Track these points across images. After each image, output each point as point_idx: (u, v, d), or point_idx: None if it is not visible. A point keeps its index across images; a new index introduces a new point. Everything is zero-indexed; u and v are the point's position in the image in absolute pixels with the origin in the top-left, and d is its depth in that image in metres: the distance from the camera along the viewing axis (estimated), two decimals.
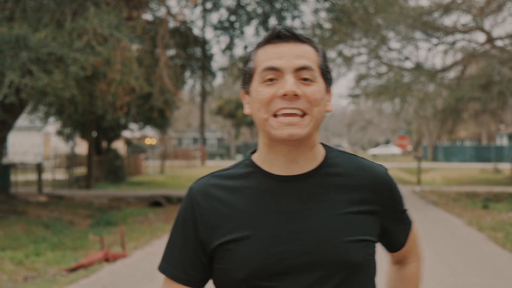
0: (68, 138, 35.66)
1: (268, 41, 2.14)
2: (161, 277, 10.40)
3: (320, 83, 2.13)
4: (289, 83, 2.05)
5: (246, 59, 2.22)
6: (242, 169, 2.23)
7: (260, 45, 2.17)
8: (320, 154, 2.22)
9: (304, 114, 2.07)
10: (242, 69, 2.25)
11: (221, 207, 2.14)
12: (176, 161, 53.51)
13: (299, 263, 2.05)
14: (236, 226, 2.10)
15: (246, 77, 2.19)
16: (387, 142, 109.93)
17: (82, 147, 43.73)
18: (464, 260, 12.18)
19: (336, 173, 2.19)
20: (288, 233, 2.07)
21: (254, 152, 2.29)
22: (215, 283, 2.19)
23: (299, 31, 2.14)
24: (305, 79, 2.09)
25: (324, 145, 2.28)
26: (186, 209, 2.19)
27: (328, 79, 2.19)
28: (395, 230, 2.34)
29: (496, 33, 32.28)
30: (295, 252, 2.05)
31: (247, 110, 2.22)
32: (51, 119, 32.71)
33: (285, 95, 2.05)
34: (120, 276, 10.82)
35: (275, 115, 2.07)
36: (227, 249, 2.09)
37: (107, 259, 12.13)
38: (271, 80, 2.09)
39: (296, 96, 2.05)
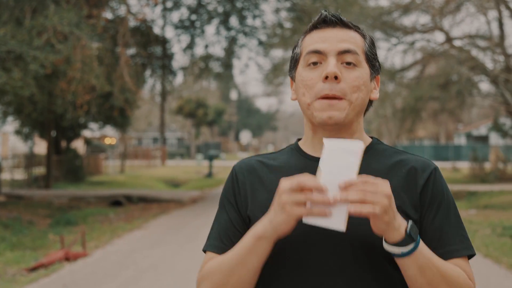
0: (27, 137, 35.34)
1: (315, 26, 2.15)
2: (123, 274, 10.35)
3: (364, 68, 2.11)
4: (330, 65, 2.04)
5: (294, 47, 2.23)
6: (287, 152, 2.28)
7: (306, 32, 2.18)
8: (362, 141, 2.16)
9: (341, 99, 2.06)
10: (291, 56, 2.25)
11: (257, 183, 2.19)
12: (136, 160, 53.29)
13: (322, 241, 2.02)
14: (267, 203, 2.05)
15: (292, 62, 2.21)
16: None
17: (41, 146, 43.33)
18: None
19: (373, 163, 2.15)
20: None
21: (300, 139, 2.31)
22: None
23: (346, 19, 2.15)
24: (348, 63, 2.08)
25: (374, 139, 2.26)
26: (227, 187, 2.24)
27: (374, 66, 2.18)
28: (439, 234, 2.11)
29: (454, 33, 32.66)
30: (319, 230, 1.95)
31: (292, 96, 2.23)
32: (9, 118, 32.34)
33: (326, 77, 2.04)
34: (81, 275, 10.75)
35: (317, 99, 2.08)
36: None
37: (68, 259, 12.04)
38: (314, 64, 2.09)
39: (336, 79, 2.04)
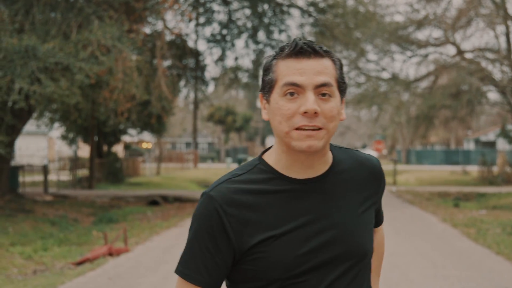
0: (71, 142, 35.57)
1: (289, 55, 2.07)
2: (163, 268, 10.30)
3: (337, 97, 2.08)
4: (310, 101, 2.00)
5: (265, 68, 2.13)
6: (259, 173, 2.14)
7: (280, 57, 2.10)
8: (330, 156, 2.19)
9: (320, 129, 2.03)
10: (262, 78, 2.15)
11: (249, 212, 2.06)
12: (171, 163, 53.37)
13: (326, 259, 2.06)
14: (266, 228, 2.05)
15: (267, 86, 2.12)
16: (364, 147, 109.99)
17: (84, 150, 43.55)
18: (442, 253, 12.16)
19: (343, 170, 2.19)
20: (315, 231, 2.06)
21: (263, 153, 2.22)
22: (238, 282, 2.12)
23: (319, 45, 2.08)
24: (323, 94, 2.04)
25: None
26: (211, 218, 2.07)
27: (343, 90, 2.15)
28: (379, 212, 2.40)
29: (465, 46, 32.58)
30: (322, 249, 2.06)
31: (265, 116, 2.15)
32: (56, 125, 32.55)
33: (306, 112, 2.00)
34: (124, 269, 10.72)
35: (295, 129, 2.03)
36: (259, 251, 2.04)
37: (111, 254, 12.03)
38: (291, 94, 2.04)
39: (315, 113, 2.01)
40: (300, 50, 2.05)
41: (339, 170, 2.18)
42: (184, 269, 2.10)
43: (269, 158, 2.17)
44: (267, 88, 2.12)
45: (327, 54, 2.09)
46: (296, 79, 2.02)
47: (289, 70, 2.05)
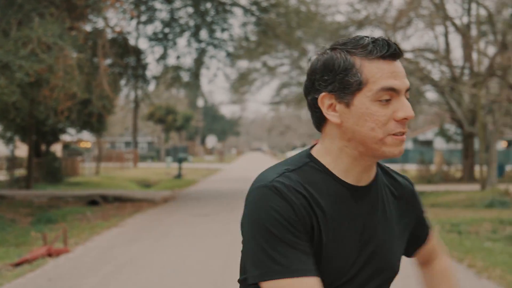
0: (9, 141, 34.93)
1: (382, 56, 1.88)
2: (104, 269, 10.19)
3: None
4: (409, 108, 1.88)
5: (345, 67, 1.89)
6: (313, 172, 1.95)
7: (364, 56, 1.89)
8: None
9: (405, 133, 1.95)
10: (339, 77, 1.90)
11: (310, 207, 1.87)
12: (110, 163, 52.94)
13: (367, 271, 1.96)
14: (322, 228, 1.88)
15: (349, 88, 1.90)
16: (303, 146, 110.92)
17: (21, 149, 42.85)
18: None
19: (384, 184, 2.09)
20: (363, 241, 1.96)
21: (310, 149, 2.04)
22: None
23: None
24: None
25: None
26: (283, 208, 1.83)
27: None
28: (418, 232, 2.23)
29: (405, 46, 33.07)
30: (366, 261, 1.96)
31: (336, 119, 1.92)
32: None
33: (405, 118, 1.88)
34: (64, 269, 10.58)
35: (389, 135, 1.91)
36: (316, 254, 1.89)
37: (50, 255, 11.86)
38: (387, 100, 1.87)
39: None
40: (394, 53, 1.88)
41: (381, 182, 2.07)
42: (280, 268, 1.80)
43: (321, 158, 1.99)
44: (350, 89, 1.89)
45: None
46: (393, 84, 1.86)
47: (382, 73, 1.87)
